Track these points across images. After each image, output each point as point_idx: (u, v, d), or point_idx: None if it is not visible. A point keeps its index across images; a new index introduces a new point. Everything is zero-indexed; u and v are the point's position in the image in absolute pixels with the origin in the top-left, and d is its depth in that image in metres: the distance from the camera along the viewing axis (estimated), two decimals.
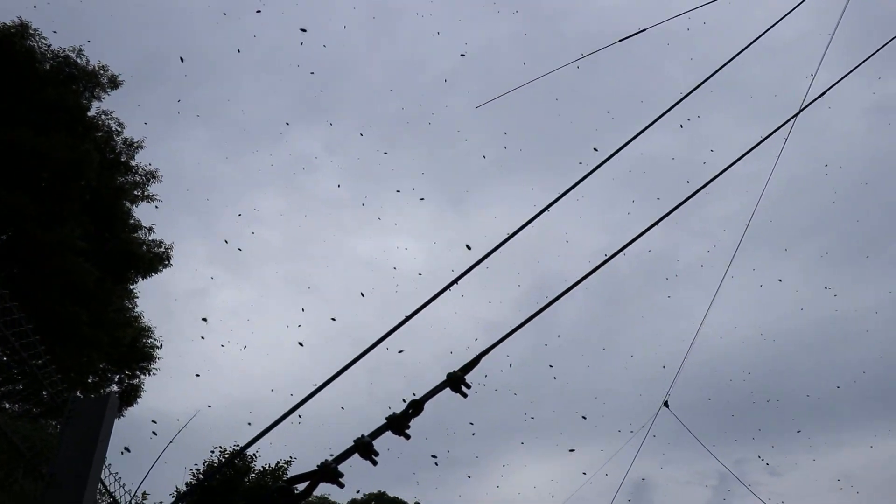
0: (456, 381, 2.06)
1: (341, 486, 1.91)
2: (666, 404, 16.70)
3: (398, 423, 1.95)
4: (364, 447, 1.91)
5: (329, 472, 1.87)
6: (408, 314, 2.53)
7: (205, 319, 21.54)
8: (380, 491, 45.06)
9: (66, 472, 4.58)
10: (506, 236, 2.99)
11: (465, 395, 2.07)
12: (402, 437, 1.96)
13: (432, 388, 2.02)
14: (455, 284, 2.61)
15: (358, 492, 43.05)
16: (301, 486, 1.88)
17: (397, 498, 45.23)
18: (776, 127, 4.57)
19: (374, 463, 1.94)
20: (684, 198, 3.05)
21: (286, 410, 2.27)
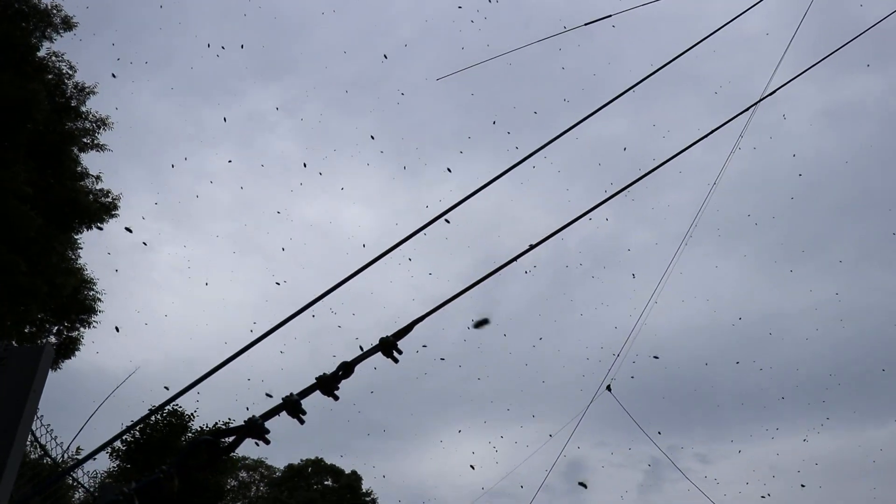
0: (388, 347, 2.09)
1: (267, 442, 1.93)
2: (609, 388, 17.00)
3: (327, 384, 1.97)
4: (292, 405, 1.93)
5: (256, 427, 1.89)
6: (346, 277, 2.55)
7: (128, 229, 20.47)
8: (317, 457, 45.25)
9: None
10: (451, 207, 3.01)
11: (396, 361, 2.11)
12: (331, 398, 1.99)
13: (364, 351, 2.05)
14: (396, 251, 2.63)
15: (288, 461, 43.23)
16: (228, 440, 1.90)
17: (334, 465, 45.47)
18: (727, 119, 4.66)
19: (302, 422, 1.96)
20: (629, 182, 3.11)
21: (211, 368, 2.28)
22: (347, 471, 45.21)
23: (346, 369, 2.02)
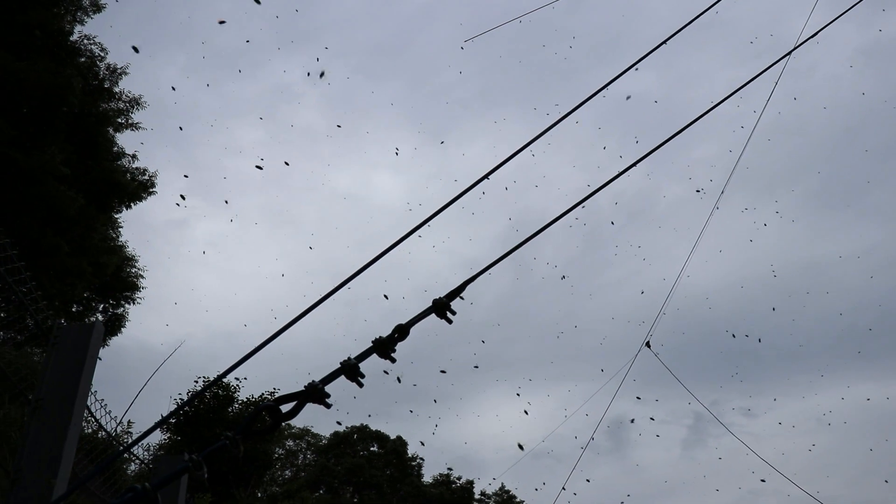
0: (441, 308, 2.11)
1: (328, 406, 1.97)
2: (648, 345, 16.89)
3: (384, 347, 2.00)
4: (350, 369, 1.96)
5: (316, 392, 1.92)
6: (385, 248, 2.56)
7: (182, 196, 20.90)
8: (362, 424, 45.96)
9: (51, 398, 4.62)
10: (485, 173, 3.00)
11: (450, 322, 2.12)
12: (388, 361, 2.02)
13: (418, 313, 2.07)
14: (433, 220, 2.64)
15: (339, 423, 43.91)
16: (288, 407, 1.94)
17: (379, 431, 46.15)
18: (764, 68, 4.54)
19: (361, 385, 1.99)
20: (666, 138, 3.06)
21: (263, 341, 2.32)
22: (392, 436, 45.88)
23: (402, 331, 2.04)
